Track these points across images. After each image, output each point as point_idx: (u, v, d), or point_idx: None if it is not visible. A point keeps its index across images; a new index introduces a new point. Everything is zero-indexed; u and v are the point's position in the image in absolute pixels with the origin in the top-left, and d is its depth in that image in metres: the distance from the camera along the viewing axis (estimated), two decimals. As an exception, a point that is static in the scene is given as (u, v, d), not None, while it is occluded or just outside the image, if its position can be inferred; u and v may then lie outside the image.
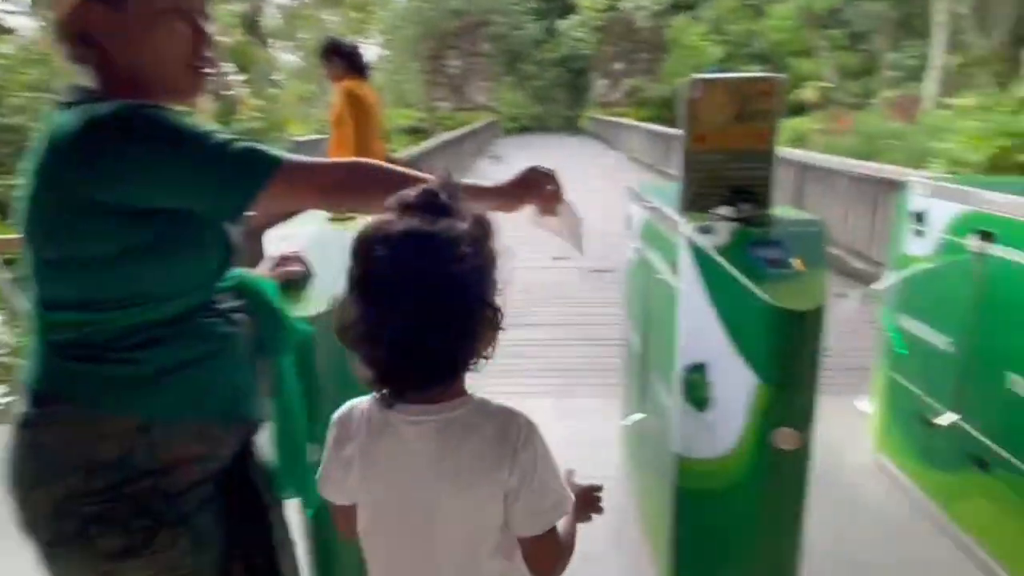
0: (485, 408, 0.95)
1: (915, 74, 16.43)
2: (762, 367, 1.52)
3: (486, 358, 0.92)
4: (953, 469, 2.27)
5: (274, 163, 1.01)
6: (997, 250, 2.04)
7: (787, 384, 1.49)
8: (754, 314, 1.49)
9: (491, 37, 29.86)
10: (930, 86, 14.61)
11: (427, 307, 0.85)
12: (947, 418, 2.25)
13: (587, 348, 4.29)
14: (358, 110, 4.13)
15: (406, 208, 0.87)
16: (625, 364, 2.73)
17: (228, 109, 12.90)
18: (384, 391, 0.91)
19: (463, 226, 0.87)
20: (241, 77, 14.37)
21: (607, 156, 19.44)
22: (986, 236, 2.08)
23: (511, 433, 0.93)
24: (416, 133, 17.90)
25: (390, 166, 1.13)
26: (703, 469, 1.68)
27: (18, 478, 1.01)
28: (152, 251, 0.99)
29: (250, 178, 1.00)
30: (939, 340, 2.32)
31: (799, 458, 1.53)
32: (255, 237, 1.62)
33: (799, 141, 14.27)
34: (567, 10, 30.19)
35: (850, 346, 3.76)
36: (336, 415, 1.00)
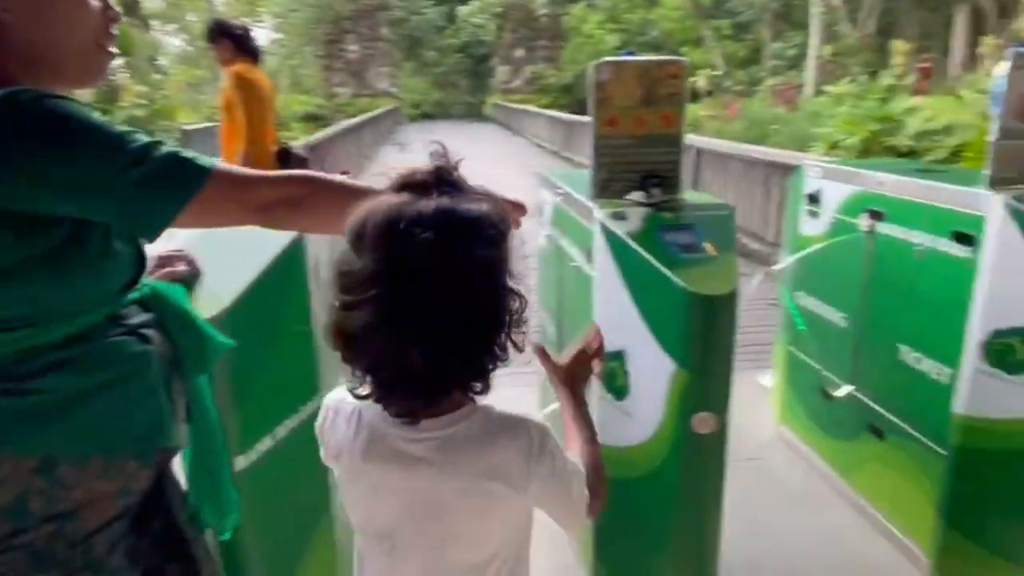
0: (492, 419, 0.85)
1: (796, 63, 17.43)
2: (679, 352, 1.51)
3: (519, 349, 0.81)
4: (850, 438, 2.39)
5: (202, 173, 0.88)
6: (886, 228, 2.15)
7: (704, 368, 1.50)
8: (669, 300, 1.48)
9: (390, 22, 29.18)
10: (809, 74, 15.53)
11: (469, 296, 0.74)
12: (844, 390, 2.37)
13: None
14: (249, 95, 3.89)
15: (417, 187, 0.75)
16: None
17: (108, 96, 11.93)
18: (396, 407, 0.80)
19: (487, 205, 0.77)
20: (120, 62, 13.30)
21: (511, 143, 19.50)
22: (875, 215, 2.19)
23: (523, 447, 0.84)
24: (314, 120, 17.25)
25: (338, 178, 1.00)
26: (623, 457, 1.67)
27: None
28: (51, 263, 0.85)
29: (173, 190, 0.86)
30: (835, 316, 2.43)
31: (717, 441, 1.54)
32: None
33: (693, 127, 14.83)
34: (466, -4, 30.01)
35: (751, 324, 3.91)
36: (326, 410, 0.91)
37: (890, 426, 2.18)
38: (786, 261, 2.69)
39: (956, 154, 7.40)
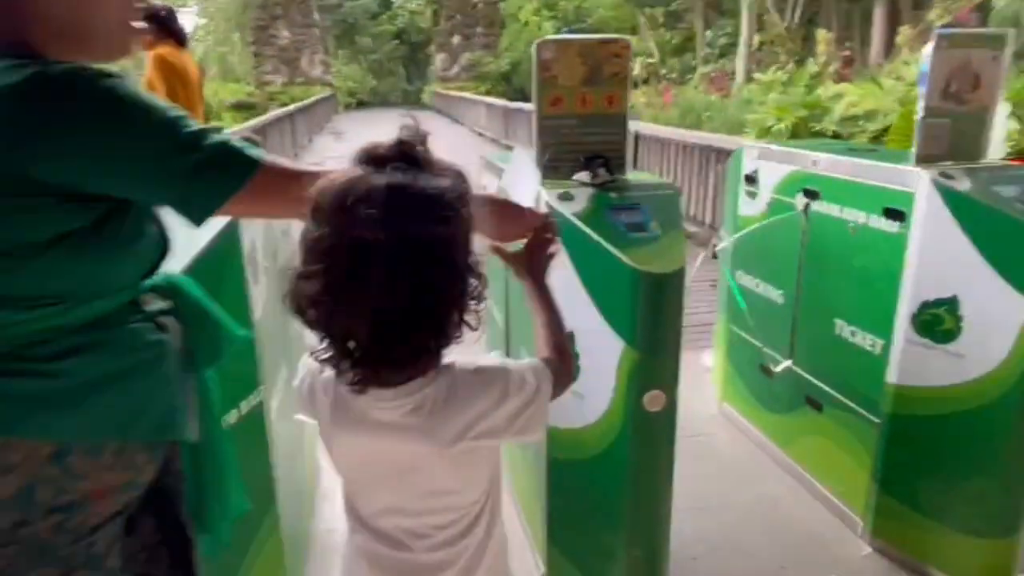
0: (457, 378, 0.87)
1: (727, 51, 17.87)
2: (628, 331, 1.52)
3: (472, 327, 0.83)
4: (789, 411, 2.47)
5: (252, 164, 0.88)
6: (820, 207, 2.22)
7: (653, 347, 1.51)
8: (618, 279, 1.48)
9: (322, 8, 28.40)
10: (740, 63, 15.94)
11: (418, 273, 0.75)
12: (782, 365, 2.44)
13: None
14: (173, 78, 3.69)
15: (377, 161, 0.76)
16: (490, 340, 2.69)
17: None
18: (355, 376, 0.80)
19: (447, 181, 0.77)
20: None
21: (452, 131, 19.33)
22: (810, 194, 2.25)
23: (494, 397, 0.87)
24: (245, 109, 16.66)
25: None
26: (574, 438, 1.67)
27: None
28: (84, 241, 0.83)
29: (224, 179, 0.87)
30: (773, 293, 2.50)
31: (666, 418, 1.56)
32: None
33: (630, 113, 15.04)
34: (400, -19, 29.49)
35: (693, 305, 4.00)
36: (305, 374, 0.92)
37: (827, 398, 2.25)
38: (726, 241, 2.74)
39: (878, 138, 7.74)
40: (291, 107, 14.32)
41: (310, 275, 0.75)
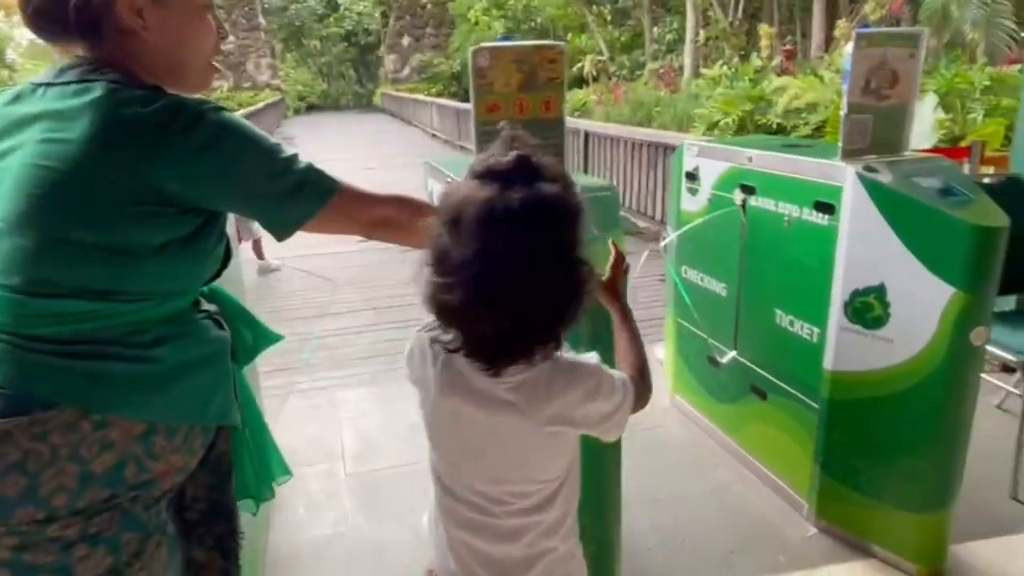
0: (558, 366, 0.95)
1: (674, 47, 18.18)
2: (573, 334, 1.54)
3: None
4: (736, 400, 2.55)
5: (332, 188, 1.01)
6: (757, 201, 2.29)
7: (598, 345, 1.54)
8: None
9: (267, 11, 27.89)
10: (687, 58, 16.23)
11: (552, 279, 0.85)
12: (728, 356, 2.51)
13: (398, 331, 4.20)
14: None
15: (498, 176, 0.84)
16: (440, 343, 2.70)
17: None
18: (475, 361, 0.91)
19: (565, 187, 0.87)
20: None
21: (404, 133, 19.22)
22: (747, 189, 2.32)
23: (587, 389, 0.95)
24: (190, 116, 16.23)
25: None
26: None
27: None
28: (185, 246, 0.97)
29: (309, 201, 1.00)
30: (716, 286, 2.57)
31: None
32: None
33: (581, 111, 15.16)
34: (347, -18, 29.15)
35: (642, 299, 4.08)
36: (414, 346, 1.01)
37: (770, 386, 2.33)
38: (670, 237, 2.81)
39: (819, 129, 7.98)
40: (238, 113, 14.06)
41: (454, 285, 0.83)
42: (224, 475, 1.17)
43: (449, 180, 2.05)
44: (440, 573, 1.07)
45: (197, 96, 1.03)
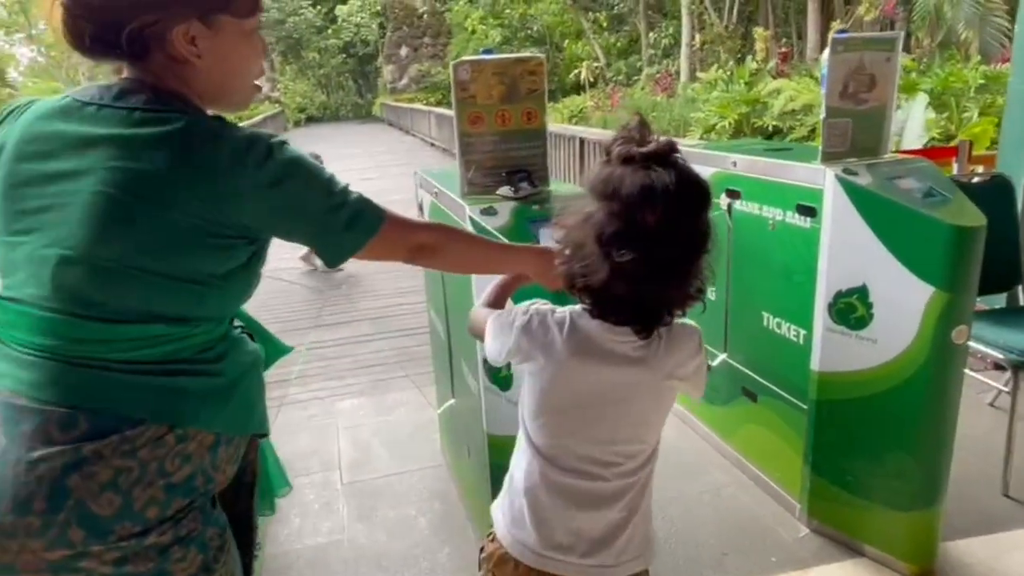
0: (673, 327, 1.04)
1: (670, 52, 18.24)
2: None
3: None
4: (728, 402, 2.57)
5: (381, 218, 1.06)
6: (742, 206, 2.32)
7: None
8: (539, 290, 1.54)
9: (265, 24, 28.04)
10: (683, 63, 16.29)
11: (698, 253, 0.95)
12: (718, 359, 2.53)
13: (394, 340, 4.23)
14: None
15: (635, 160, 0.92)
16: (433, 352, 2.72)
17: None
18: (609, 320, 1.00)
19: (698, 173, 0.95)
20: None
21: (403, 142, 19.31)
22: (733, 194, 2.35)
23: (693, 347, 1.06)
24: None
25: (476, 235, 1.27)
26: (511, 445, 1.71)
27: (86, 523, 0.88)
28: (243, 271, 1.01)
29: (360, 231, 1.04)
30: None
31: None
32: None
33: (578, 118, 15.21)
34: (344, -6, 29.33)
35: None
36: (532, 315, 1.05)
37: (761, 388, 2.35)
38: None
39: (815, 131, 8.02)
40: (240, 126, 14.13)
41: (622, 264, 0.92)
42: (248, 486, 1.19)
43: (434, 190, 2.08)
44: (517, 548, 1.10)
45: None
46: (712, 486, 2.49)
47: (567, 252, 1.00)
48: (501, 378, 1.72)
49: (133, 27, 0.94)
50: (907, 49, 11.32)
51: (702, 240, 0.96)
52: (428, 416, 3.00)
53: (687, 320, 1.07)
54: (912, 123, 4.83)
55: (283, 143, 1.00)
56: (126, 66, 1.00)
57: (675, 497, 2.43)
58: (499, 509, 1.16)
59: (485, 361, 1.73)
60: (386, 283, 5.36)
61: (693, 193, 0.93)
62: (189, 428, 0.96)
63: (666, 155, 0.93)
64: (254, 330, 1.26)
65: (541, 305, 1.08)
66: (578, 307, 1.05)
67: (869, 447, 1.98)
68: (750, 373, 2.40)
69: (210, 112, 1.04)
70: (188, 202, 0.92)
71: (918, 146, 4.56)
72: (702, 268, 0.98)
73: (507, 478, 1.16)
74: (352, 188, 1.06)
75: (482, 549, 1.17)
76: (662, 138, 0.94)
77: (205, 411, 0.98)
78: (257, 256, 1.04)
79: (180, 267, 0.94)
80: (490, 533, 1.17)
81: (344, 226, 1.03)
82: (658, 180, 0.91)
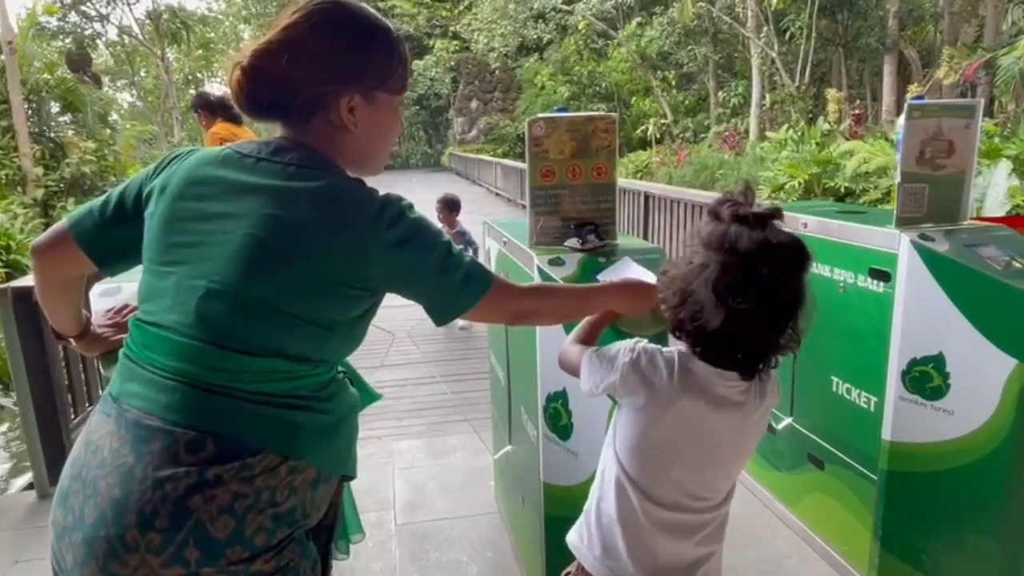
0: (767, 373, 1.12)
1: (739, 110, 18.24)
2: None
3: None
4: (793, 469, 2.48)
5: (488, 282, 1.12)
6: (813, 267, 2.28)
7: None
8: (607, 340, 1.56)
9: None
10: (752, 121, 16.26)
11: (793, 306, 1.05)
12: (784, 422, 2.46)
13: (454, 384, 4.28)
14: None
15: (746, 220, 1.02)
16: (493, 397, 2.75)
17: (54, 152, 11.79)
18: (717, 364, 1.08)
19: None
20: (67, 118, 13.20)
21: (469, 190, 19.74)
22: (802, 255, 2.32)
23: (777, 385, 1.17)
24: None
25: (570, 287, 1.33)
26: (568, 495, 1.71)
27: (203, 543, 0.91)
28: (360, 320, 1.08)
29: (470, 294, 1.10)
30: (772, 351, 2.54)
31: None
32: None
33: (643, 173, 15.29)
34: (422, 51, 30.66)
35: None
36: (642, 353, 1.11)
37: (828, 455, 2.27)
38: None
39: (889, 193, 7.82)
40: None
41: (740, 311, 1.01)
42: (328, 528, 1.20)
43: (503, 239, 2.15)
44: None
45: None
46: (773, 556, 2.40)
47: (675, 299, 1.08)
48: (561, 427, 1.73)
49: (307, 96, 1.05)
50: (990, 114, 11.00)
51: (804, 293, 1.06)
52: (485, 462, 3.01)
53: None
54: (994, 190, 4.67)
55: (411, 206, 1.07)
56: (283, 126, 1.11)
57: (733, 564, 2.33)
58: (582, 541, 1.20)
59: (546, 409, 1.75)
60: (450, 328, 5.44)
61: (801, 252, 1.05)
62: (300, 461, 1.00)
63: (774, 217, 1.03)
64: (352, 376, 1.31)
65: (646, 344, 1.14)
66: (684, 349, 1.11)
67: (945, 525, 1.88)
68: (817, 439, 2.33)
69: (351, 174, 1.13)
70: (329, 253, 0.99)
71: (1000, 213, 4.39)
72: (799, 320, 1.07)
73: (590, 509, 1.20)
74: (465, 253, 1.13)
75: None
76: (766, 203, 1.05)
77: (314, 446, 1.03)
78: (373, 308, 1.10)
79: (312, 311, 1.01)
80: (572, 566, 1.22)
81: (456, 288, 1.09)
82: (774, 238, 1.02)
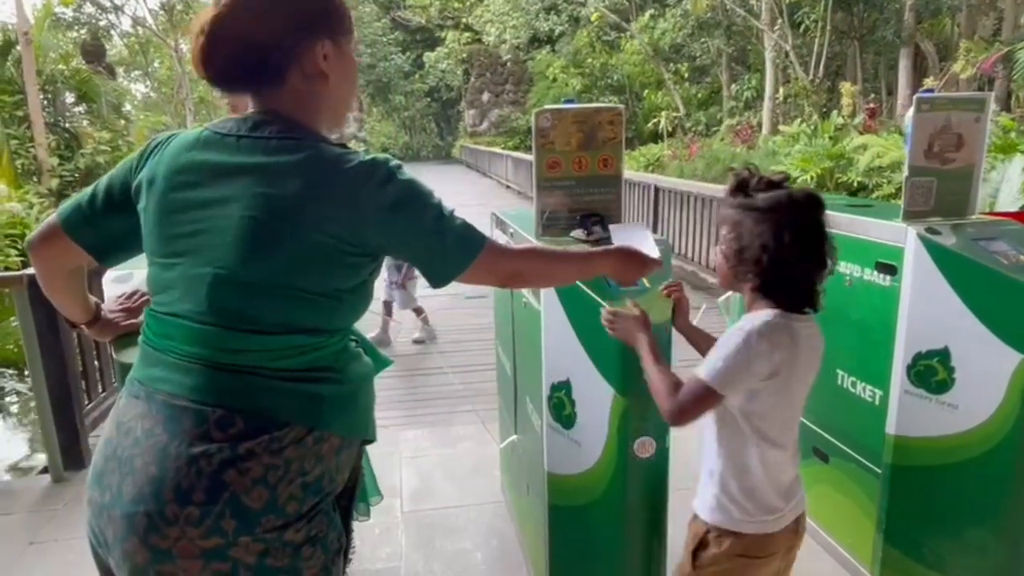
0: None
1: (752, 104, 18.08)
2: (618, 380, 1.59)
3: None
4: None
5: (483, 242, 1.11)
6: (818, 260, 2.28)
7: (641, 394, 1.57)
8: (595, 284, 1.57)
9: (358, 68, 29.56)
10: (765, 115, 16.11)
11: (823, 241, 1.29)
12: (790, 415, 2.46)
13: (462, 375, 4.31)
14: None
15: (747, 188, 1.30)
16: (499, 388, 2.77)
17: (68, 143, 11.90)
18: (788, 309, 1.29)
19: None
20: (81, 108, 13.31)
21: (480, 183, 19.76)
22: (809, 248, 2.32)
23: None
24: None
25: (563, 251, 1.30)
26: (571, 484, 1.73)
27: (239, 514, 0.95)
28: (363, 286, 1.10)
29: (465, 254, 1.09)
30: (778, 344, 2.54)
31: (657, 464, 1.62)
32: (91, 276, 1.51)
33: (655, 166, 15.22)
34: (434, 43, 30.61)
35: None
36: (761, 338, 1.25)
37: (832, 448, 2.27)
38: (728, 293, 2.80)
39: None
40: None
41: (779, 245, 1.24)
42: (351, 489, 1.21)
43: (509, 230, 2.16)
44: (753, 525, 1.36)
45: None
46: (777, 548, 2.40)
47: (733, 260, 1.31)
48: (565, 416, 1.74)
49: (282, 51, 1.04)
50: (1007, 108, 10.85)
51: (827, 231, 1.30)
52: (491, 452, 3.03)
53: None
54: (1008, 185, 4.62)
55: (400, 166, 1.07)
56: (254, 98, 1.08)
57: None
58: (713, 505, 1.37)
59: (550, 398, 1.76)
60: (458, 319, 5.47)
61: (819, 197, 1.29)
62: (324, 431, 1.03)
63: (786, 179, 1.31)
64: (363, 344, 1.32)
65: (746, 326, 1.27)
66: (768, 312, 1.28)
67: (948, 519, 1.88)
68: (821, 432, 2.33)
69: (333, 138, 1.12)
70: (324, 223, 1.00)
71: (1013, 208, 4.35)
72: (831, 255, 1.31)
73: (715, 486, 1.36)
74: (456, 213, 1.12)
75: (698, 551, 1.38)
76: (809, 190, 1.30)
77: (337, 415, 1.06)
78: (375, 272, 1.12)
79: (318, 283, 1.02)
80: (707, 532, 1.37)
81: (451, 248, 1.08)
82: (808, 190, 1.29)
